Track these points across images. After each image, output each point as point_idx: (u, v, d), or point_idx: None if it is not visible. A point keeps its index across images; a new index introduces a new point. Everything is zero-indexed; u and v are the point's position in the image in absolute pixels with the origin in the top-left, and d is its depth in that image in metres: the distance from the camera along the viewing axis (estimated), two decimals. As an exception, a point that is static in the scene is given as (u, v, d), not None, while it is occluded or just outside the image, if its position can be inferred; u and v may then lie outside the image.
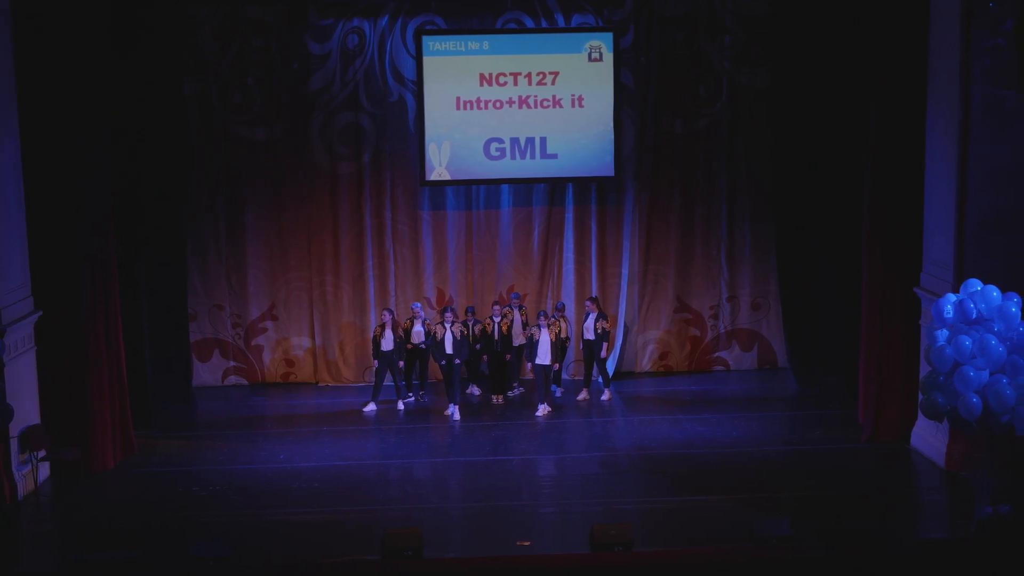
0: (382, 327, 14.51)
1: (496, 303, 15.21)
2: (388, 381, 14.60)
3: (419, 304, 15.15)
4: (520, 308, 15.15)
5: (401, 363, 14.53)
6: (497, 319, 14.85)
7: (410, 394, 14.73)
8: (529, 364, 14.68)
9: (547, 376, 14.22)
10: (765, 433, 13.27)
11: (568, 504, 11.22)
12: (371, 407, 14.34)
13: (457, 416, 14.06)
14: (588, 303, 14.99)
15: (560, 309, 15.23)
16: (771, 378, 15.83)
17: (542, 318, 14.28)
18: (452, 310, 14.60)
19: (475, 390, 15.19)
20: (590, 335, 14.72)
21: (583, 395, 14.77)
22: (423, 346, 14.66)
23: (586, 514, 10.72)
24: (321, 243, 15.70)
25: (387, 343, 14.43)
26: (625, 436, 13.42)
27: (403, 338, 14.56)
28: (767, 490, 11.33)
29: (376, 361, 14.51)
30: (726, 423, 13.61)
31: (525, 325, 15.10)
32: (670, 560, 9.03)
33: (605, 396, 14.73)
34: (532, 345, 14.18)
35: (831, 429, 13.28)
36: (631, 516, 10.50)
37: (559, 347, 14.58)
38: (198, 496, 11.57)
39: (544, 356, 14.13)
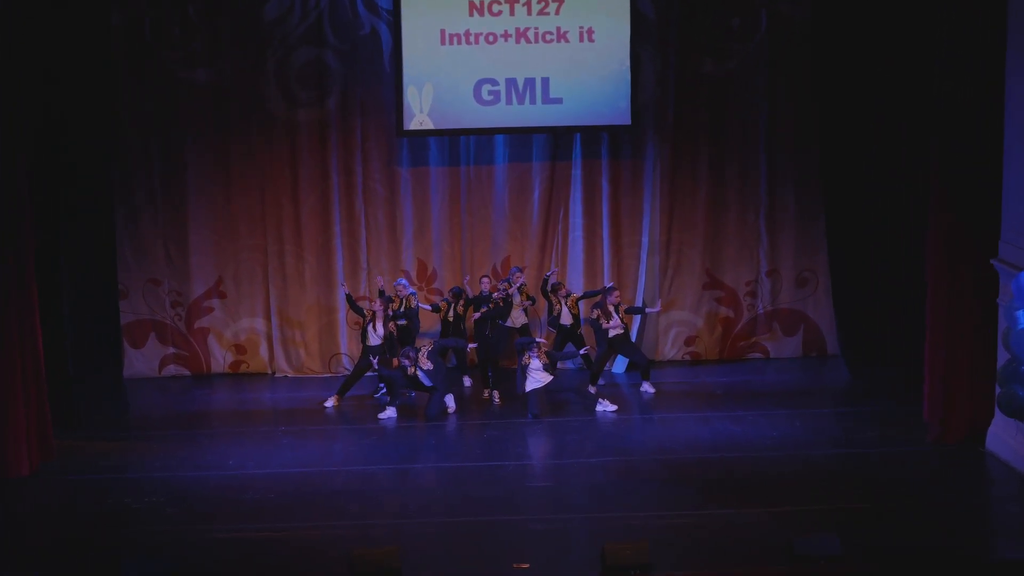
0: (373, 315, 14.47)
1: (486, 276, 15.22)
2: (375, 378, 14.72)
3: (404, 280, 15.18)
4: (520, 286, 15.19)
5: (394, 360, 14.47)
6: (497, 295, 14.89)
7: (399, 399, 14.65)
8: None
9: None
10: (810, 434, 13.30)
11: (574, 518, 11.24)
12: (390, 413, 14.11)
13: (453, 406, 14.21)
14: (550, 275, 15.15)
15: (556, 289, 15.22)
16: (818, 368, 15.89)
17: (533, 349, 13.96)
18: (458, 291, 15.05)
19: (467, 381, 15.30)
20: (567, 320, 14.97)
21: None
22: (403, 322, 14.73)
23: (596, 530, 10.74)
24: (278, 205, 15.73)
25: (375, 336, 14.42)
26: (642, 437, 13.45)
27: (396, 332, 14.53)
28: (812, 502, 11.35)
29: (375, 359, 14.30)
30: (763, 422, 13.64)
31: (527, 307, 15.16)
32: (695, 585, 9.05)
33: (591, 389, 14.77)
34: (521, 369, 14.01)
35: (889, 429, 13.31)
36: (649, 533, 10.51)
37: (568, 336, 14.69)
38: (131, 509, 11.57)
39: (538, 379, 13.97)
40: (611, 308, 14.65)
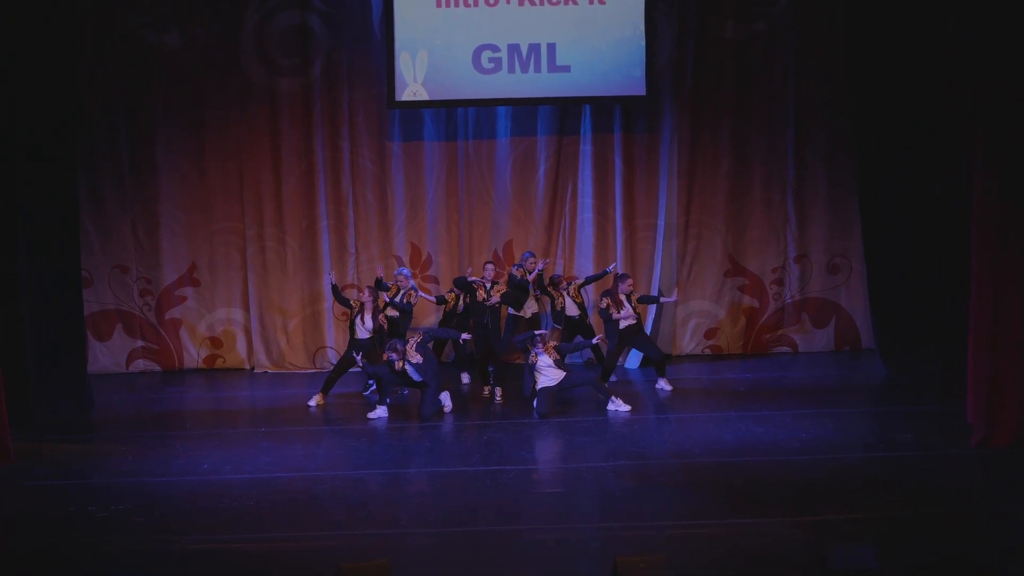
0: (360, 306, 14.41)
1: (490, 262, 15.15)
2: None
3: (407, 270, 15.09)
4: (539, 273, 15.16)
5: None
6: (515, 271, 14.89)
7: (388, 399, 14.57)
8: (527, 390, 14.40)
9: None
10: (843, 435, 13.29)
11: (583, 529, 11.22)
12: (380, 412, 14.06)
13: (449, 404, 14.18)
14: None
15: (556, 282, 15.18)
16: (852, 363, 15.94)
17: (538, 345, 13.87)
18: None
19: (464, 378, 15.32)
20: (573, 311, 15.02)
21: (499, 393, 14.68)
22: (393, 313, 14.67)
23: (606, 542, 10.69)
24: (257, 184, 15.75)
25: (363, 330, 14.38)
26: (658, 439, 13.43)
27: (386, 324, 14.45)
28: (845, 510, 11.32)
29: (359, 355, 14.24)
30: (791, 422, 13.64)
31: (539, 296, 15.17)
32: (717, 603, 9.07)
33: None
34: (529, 370, 13.95)
35: (930, 430, 13.29)
36: (666, 545, 10.47)
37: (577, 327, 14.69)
38: (96, 517, 11.55)
39: (548, 377, 13.91)
40: (623, 297, 14.56)
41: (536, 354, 13.83)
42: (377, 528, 11.22)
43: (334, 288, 14.80)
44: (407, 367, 13.78)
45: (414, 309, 15.07)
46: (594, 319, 15.56)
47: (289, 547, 10.78)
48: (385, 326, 14.51)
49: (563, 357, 14.04)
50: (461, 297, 14.95)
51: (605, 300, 14.66)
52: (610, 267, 15.21)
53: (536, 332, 14.12)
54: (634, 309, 14.66)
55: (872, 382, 15.20)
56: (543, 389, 13.87)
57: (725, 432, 13.43)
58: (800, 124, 15.84)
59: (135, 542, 10.88)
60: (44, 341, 14.26)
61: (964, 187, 13.40)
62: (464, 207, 15.95)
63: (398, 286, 14.81)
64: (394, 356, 13.76)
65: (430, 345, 14.12)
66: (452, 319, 15.04)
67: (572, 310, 15.17)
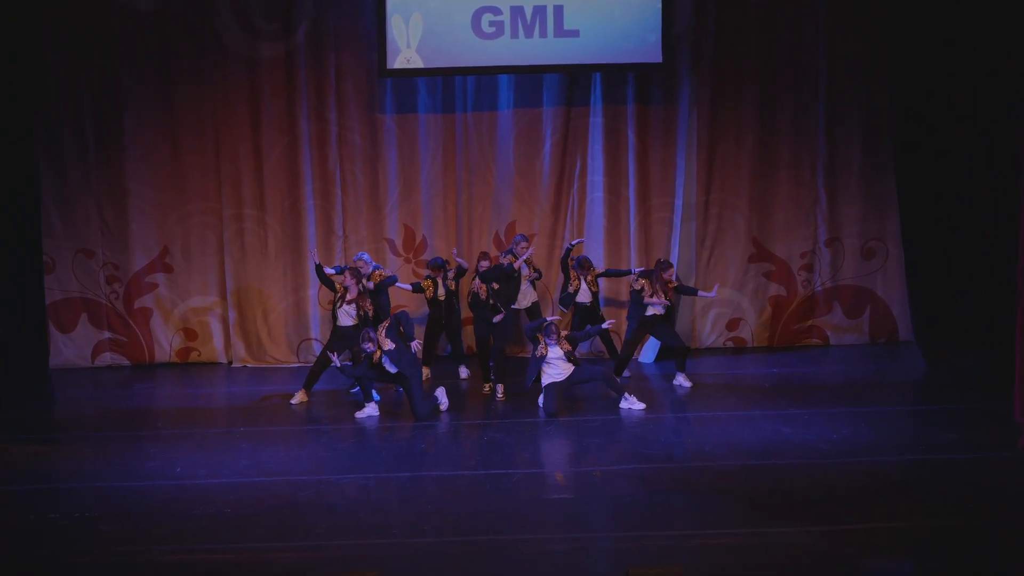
0: (344, 291, 14.38)
1: (486, 261, 15.04)
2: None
3: (366, 254, 15.03)
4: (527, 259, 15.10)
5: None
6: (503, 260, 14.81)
7: (377, 396, 14.55)
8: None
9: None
10: (878, 436, 13.28)
11: (592, 539, 11.21)
12: (370, 410, 14.04)
13: (445, 401, 14.18)
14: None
15: (584, 265, 15.16)
16: (888, 357, 15.95)
17: (552, 335, 13.80)
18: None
19: (464, 372, 15.35)
20: (585, 298, 15.09)
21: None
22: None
23: (618, 553, 10.72)
24: (235, 160, 15.77)
25: (346, 316, 14.36)
26: (676, 440, 13.44)
27: (372, 310, 14.41)
28: (880, 518, 11.31)
29: (336, 355, 14.13)
30: (821, 422, 13.64)
31: (535, 279, 15.16)
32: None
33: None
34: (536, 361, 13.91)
35: (974, 430, 13.27)
36: (683, 556, 10.50)
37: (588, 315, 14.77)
38: (58, 525, 11.55)
39: (556, 371, 13.88)
40: (659, 285, 14.59)
41: (547, 344, 13.80)
42: (366, 538, 11.19)
43: (318, 269, 14.60)
44: (383, 357, 13.71)
45: (405, 299, 15.03)
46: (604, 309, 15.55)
47: (270, 559, 10.76)
48: (370, 313, 14.45)
49: (575, 348, 14.01)
50: (438, 281, 14.86)
51: (640, 281, 14.66)
52: (634, 270, 15.12)
53: (549, 320, 14.07)
54: (667, 296, 14.67)
55: (910, 378, 15.22)
56: (550, 385, 13.85)
57: (749, 433, 13.42)
58: (832, 94, 15.83)
59: (101, 553, 10.87)
60: (2, 332, 14.28)
61: (1015, 163, 13.40)
62: (462, 185, 15.94)
63: (362, 272, 14.65)
64: (369, 346, 13.68)
65: (402, 329, 14.04)
66: (439, 309, 14.94)
67: (585, 296, 15.15)
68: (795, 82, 15.85)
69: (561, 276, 15.45)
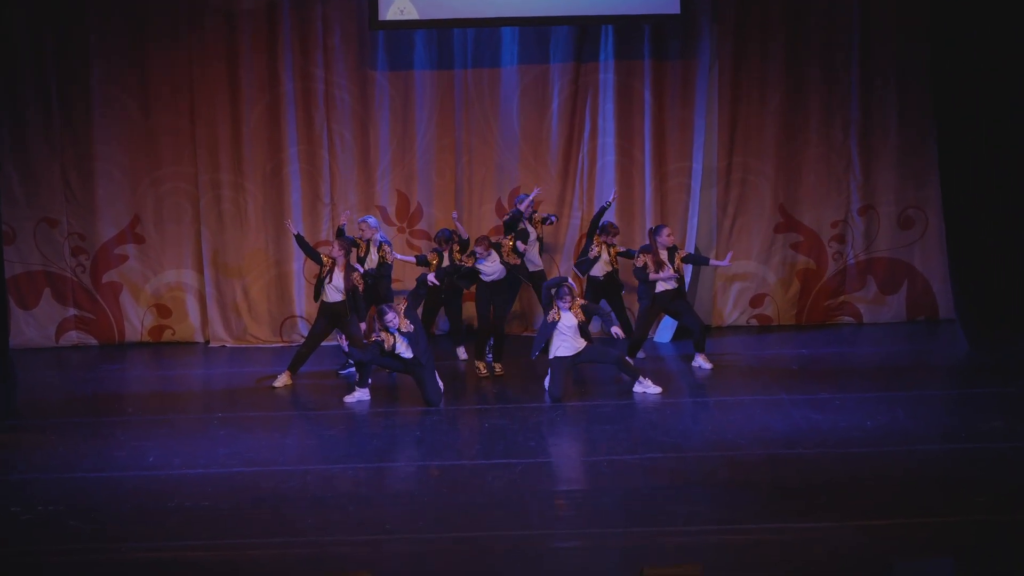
0: (332, 263, 14.37)
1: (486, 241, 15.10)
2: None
3: (373, 219, 15.13)
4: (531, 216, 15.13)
5: (362, 324, 14.48)
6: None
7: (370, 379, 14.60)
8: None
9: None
10: (917, 423, 13.26)
11: (604, 535, 11.19)
12: (360, 395, 14.09)
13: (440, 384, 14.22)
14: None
15: (609, 230, 15.18)
16: (927, 336, 15.95)
17: (565, 297, 13.78)
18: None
19: (462, 353, 15.41)
20: (601, 270, 15.07)
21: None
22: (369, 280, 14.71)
23: (632, 550, 10.69)
24: (212, 121, 15.79)
25: (334, 291, 14.31)
26: (695, 427, 13.45)
27: (362, 284, 14.47)
28: (918, 513, 11.29)
29: (342, 335, 14.26)
30: (854, 407, 13.64)
31: (541, 248, 15.22)
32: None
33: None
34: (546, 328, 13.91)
35: (1021, 417, 13.31)
36: (702, 553, 10.48)
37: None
38: (19, 520, 11.53)
39: (567, 343, 13.92)
40: (663, 253, 14.55)
41: (560, 309, 13.77)
42: (357, 534, 11.16)
43: (299, 239, 14.44)
44: (398, 342, 13.67)
45: (404, 271, 15.08)
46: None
47: (251, 556, 10.75)
48: (360, 286, 14.41)
49: (589, 320, 14.02)
50: (444, 255, 14.93)
51: (641, 258, 14.56)
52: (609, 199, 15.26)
53: (565, 281, 13.95)
54: (675, 269, 14.63)
55: (952, 360, 15.22)
56: (557, 359, 13.83)
57: (775, 419, 13.42)
58: (866, 50, 15.80)
59: (67, 550, 10.84)
60: (-42, 310, 14.34)
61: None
62: (462, 148, 15.96)
63: (361, 238, 14.78)
64: (393, 320, 13.56)
65: (419, 312, 14.12)
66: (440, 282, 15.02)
67: (601, 269, 15.08)
68: (826, 36, 15.81)
69: (567, 247, 15.45)
